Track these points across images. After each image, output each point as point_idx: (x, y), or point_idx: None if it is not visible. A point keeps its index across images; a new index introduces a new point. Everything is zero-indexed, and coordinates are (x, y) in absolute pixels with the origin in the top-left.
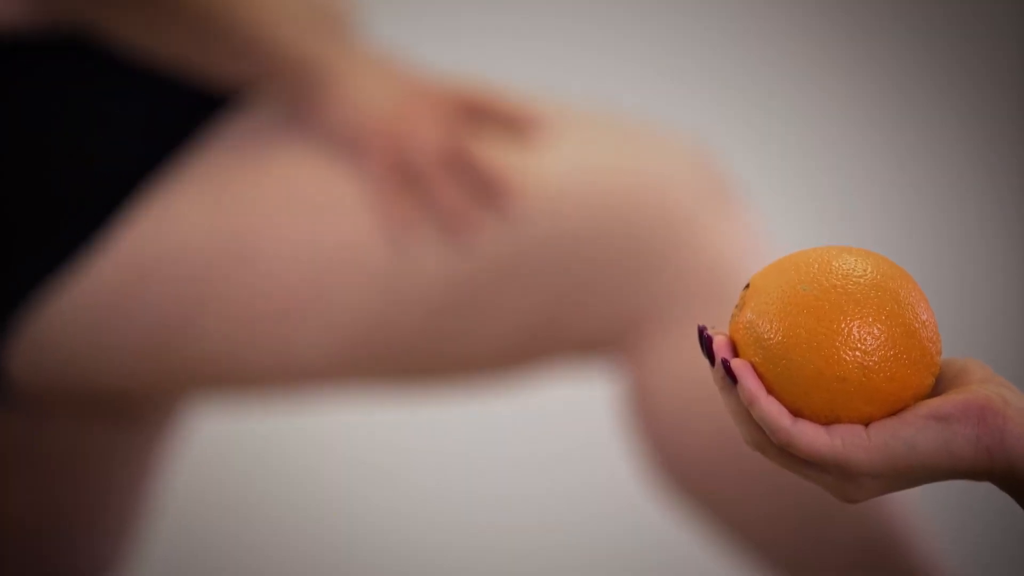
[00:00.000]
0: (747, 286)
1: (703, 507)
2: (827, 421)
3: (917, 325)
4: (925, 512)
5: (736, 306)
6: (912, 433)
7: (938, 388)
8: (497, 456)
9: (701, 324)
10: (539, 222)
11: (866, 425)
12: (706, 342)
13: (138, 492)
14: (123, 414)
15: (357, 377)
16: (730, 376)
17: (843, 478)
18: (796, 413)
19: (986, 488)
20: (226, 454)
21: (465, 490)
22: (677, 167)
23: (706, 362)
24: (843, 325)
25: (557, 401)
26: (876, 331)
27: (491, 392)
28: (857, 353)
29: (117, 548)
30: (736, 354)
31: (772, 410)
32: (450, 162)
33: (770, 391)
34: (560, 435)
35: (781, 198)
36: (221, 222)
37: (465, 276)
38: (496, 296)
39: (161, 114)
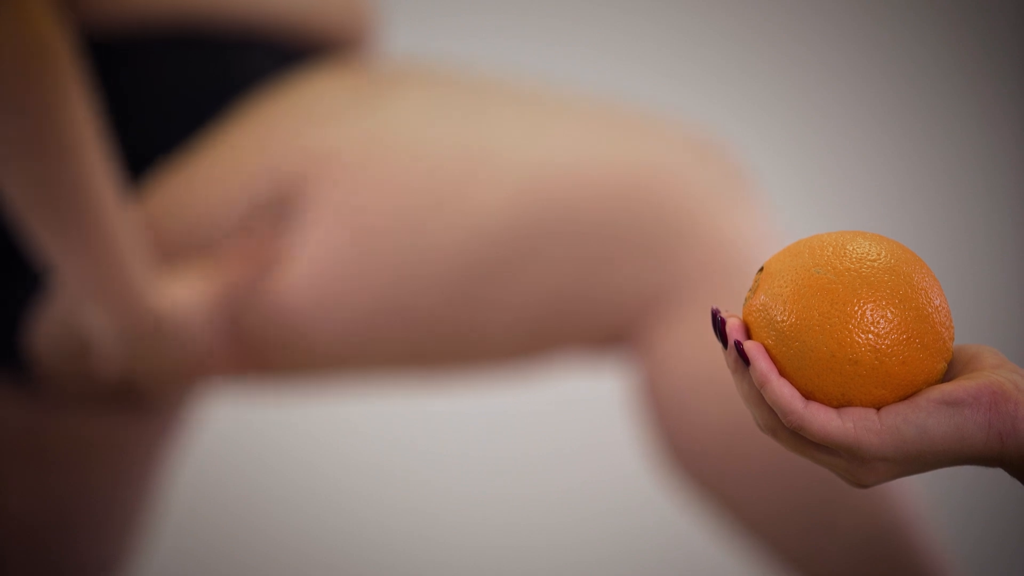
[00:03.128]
0: (761, 270)
1: (713, 497)
2: (839, 404)
3: (930, 310)
4: (929, 507)
5: (750, 290)
6: (923, 417)
7: (950, 374)
8: (504, 452)
9: (715, 307)
10: (551, 209)
11: (878, 409)
12: (719, 324)
13: (145, 488)
14: (134, 406)
15: (374, 365)
16: (743, 358)
17: (854, 462)
18: (808, 396)
19: (991, 484)
20: (230, 452)
21: (472, 485)
22: (687, 156)
23: (717, 349)
24: (856, 308)
25: (566, 396)
26: (889, 314)
27: (502, 385)
28: (870, 336)
29: (123, 544)
30: (749, 337)
31: (784, 392)
32: None
33: (783, 373)
34: (568, 431)
35: (792, 189)
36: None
37: (478, 261)
38: (508, 281)
39: (174, 98)
